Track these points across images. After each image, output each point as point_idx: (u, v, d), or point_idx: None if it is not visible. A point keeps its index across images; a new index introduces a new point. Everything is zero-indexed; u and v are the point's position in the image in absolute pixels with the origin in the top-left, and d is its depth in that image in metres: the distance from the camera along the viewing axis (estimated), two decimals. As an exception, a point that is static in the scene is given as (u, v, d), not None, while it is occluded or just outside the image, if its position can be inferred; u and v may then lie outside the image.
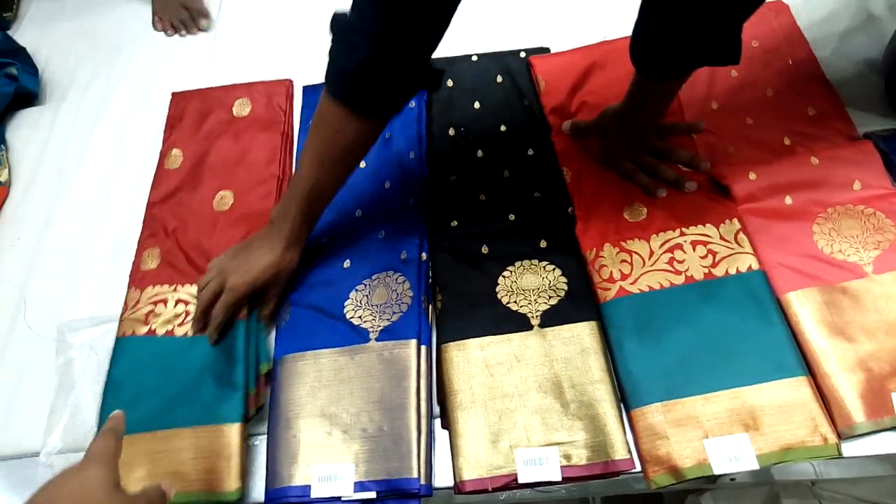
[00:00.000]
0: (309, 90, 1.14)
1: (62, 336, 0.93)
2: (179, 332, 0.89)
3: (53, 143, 1.17)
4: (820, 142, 0.94)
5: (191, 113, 1.13)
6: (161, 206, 1.03)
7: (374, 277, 0.91)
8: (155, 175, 1.07)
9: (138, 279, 0.96)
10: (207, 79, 1.22)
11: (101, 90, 1.24)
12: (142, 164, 1.11)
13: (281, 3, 1.33)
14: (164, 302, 0.92)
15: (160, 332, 0.89)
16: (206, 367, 0.85)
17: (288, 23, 1.30)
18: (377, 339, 0.85)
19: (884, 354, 0.75)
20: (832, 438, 0.71)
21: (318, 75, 1.14)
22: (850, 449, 0.72)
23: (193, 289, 0.93)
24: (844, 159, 0.89)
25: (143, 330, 0.90)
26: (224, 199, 1.01)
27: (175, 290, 0.93)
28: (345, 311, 0.89)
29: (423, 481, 0.75)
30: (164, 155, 1.09)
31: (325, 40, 1.22)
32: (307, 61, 1.20)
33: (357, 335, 0.86)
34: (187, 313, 0.91)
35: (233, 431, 0.79)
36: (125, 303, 0.94)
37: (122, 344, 0.90)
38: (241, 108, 1.12)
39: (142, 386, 0.85)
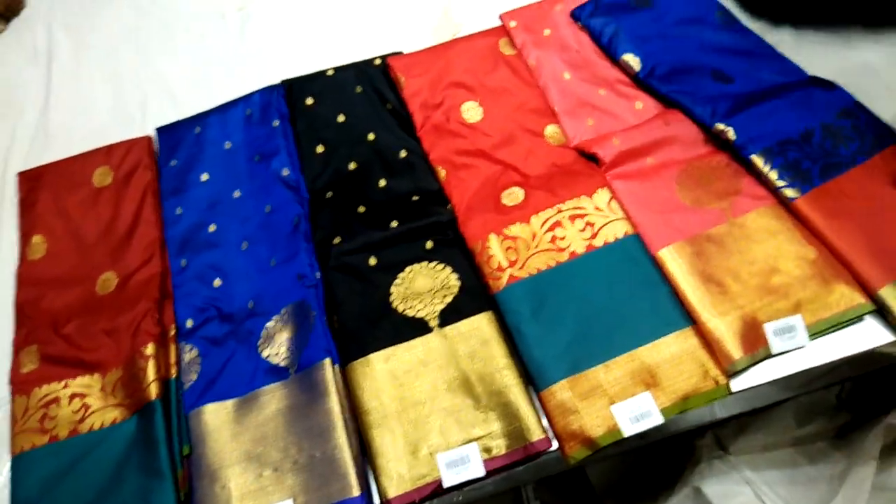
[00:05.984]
0: (164, 131, 1.08)
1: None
2: (84, 428, 0.80)
3: None
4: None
5: (46, 193, 1.01)
6: (34, 303, 0.91)
7: (282, 312, 0.87)
8: (18, 270, 0.95)
9: (20, 384, 0.85)
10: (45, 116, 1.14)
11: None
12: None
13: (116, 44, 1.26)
14: (57, 401, 0.82)
15: (63, 434, 0.80)
16: (125, 458, 0.77)
17: (126, 62, 1.23)
18: (296, 372, 0.82)
19: (750, 291, 0.81)
20: (722, 380, 0.76)
21: (171, 115, 1.10)
22: (737, 384, 0.76)
23: (87, 379, 0.84)
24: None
25: (43, 439, 0.80)
26: (107, 281, 0.92)
27: (65, 385, 0.84)
28: (259, 352, 0.85)
29: (365, 497, 0.74)
30: (24, 245, 0.97)
31: (175, 79, 1.18)
32: (154, 98, 1.15)
33: (276, 374, 0.83)
34: (86, 406, 0.82)
35: None
36: (12, 415, 0.83)
37: (22, 460, 0.79)
38: (103, 177, 1.01)
39: (56, 502, 0.76)
